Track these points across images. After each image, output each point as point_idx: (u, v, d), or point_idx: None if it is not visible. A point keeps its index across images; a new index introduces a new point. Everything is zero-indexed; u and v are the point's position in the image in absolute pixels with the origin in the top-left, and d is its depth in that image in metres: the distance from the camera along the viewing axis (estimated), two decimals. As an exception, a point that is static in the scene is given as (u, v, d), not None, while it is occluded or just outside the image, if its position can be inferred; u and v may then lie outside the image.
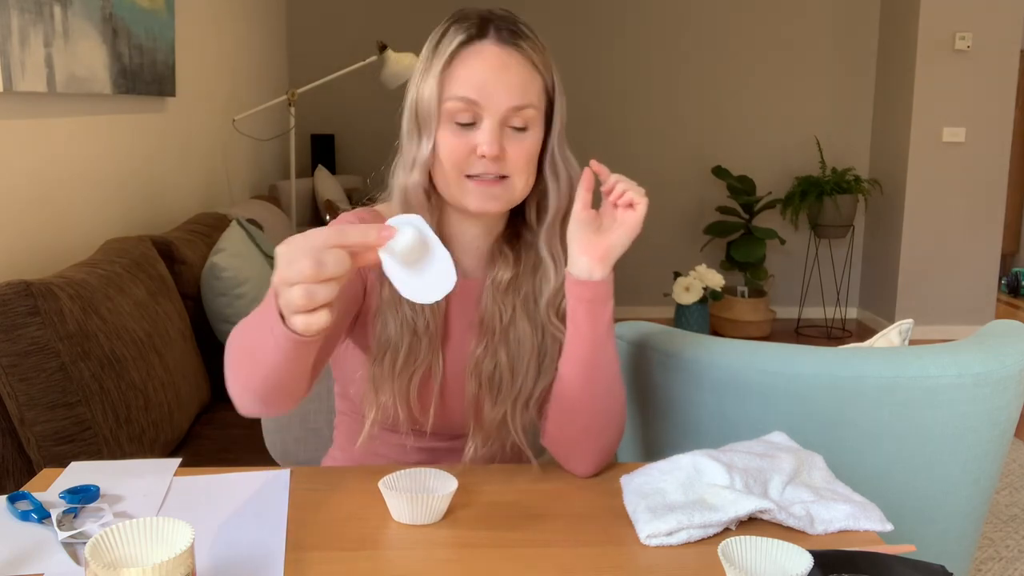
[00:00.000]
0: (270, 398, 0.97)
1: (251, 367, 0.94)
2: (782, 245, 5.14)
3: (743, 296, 4.96)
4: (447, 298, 1.15)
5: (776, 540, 0.85)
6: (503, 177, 1.10)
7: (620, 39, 5.15)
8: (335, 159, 5.05)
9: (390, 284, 0.94)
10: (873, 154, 5.23)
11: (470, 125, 1.08)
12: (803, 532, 0.97)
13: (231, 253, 2.38)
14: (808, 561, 0.82)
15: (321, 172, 4.52)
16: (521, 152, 1.09)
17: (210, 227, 2.67)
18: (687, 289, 4.49)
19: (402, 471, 1.03)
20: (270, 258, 2.58)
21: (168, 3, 2.87)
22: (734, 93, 5.20)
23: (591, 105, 5.20)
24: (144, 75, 2.68)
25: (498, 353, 1.16)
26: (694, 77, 5.19)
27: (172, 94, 2.94)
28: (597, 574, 0.89)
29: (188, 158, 3.25)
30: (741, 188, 5.02)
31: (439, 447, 1.24)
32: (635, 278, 5.34)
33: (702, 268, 4.68)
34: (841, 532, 0.96)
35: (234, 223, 2.60)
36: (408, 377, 1.13)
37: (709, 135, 5.24)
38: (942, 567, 0.84)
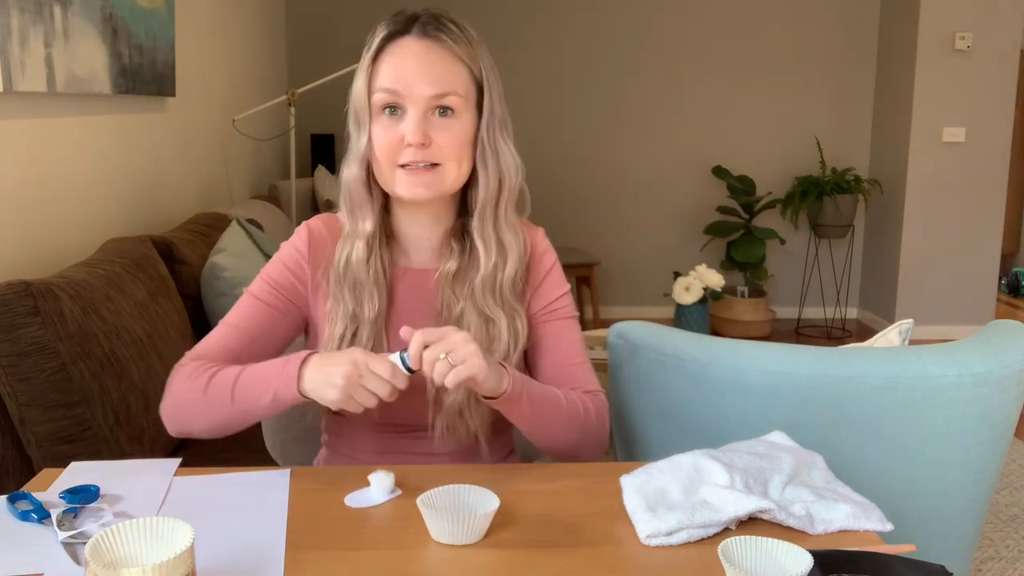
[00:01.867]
0: (222, 432, 1.19)
1: (229, 410, 1.13)
2: (782, 245, 5.14)
3: (743, 296, 4.96)
4: (395, 288, 1.24)
5: (776, 540, 0.85)
6: (435, 165, 1.16)
7: (620, 38, 5.15)
8: (335, 159, 5.05)
9: (331, 295, 1.22)
10: (873, 154, 5.23)
11: (398, 116, 1.15)
12: (803, 532, 0.97)
13: (231, 253, 2.38)
14: (808, 561, 0.82)
15: (321, 172, 4.52)
16: (449, 139, 1.15)
17: (210, 227, 2.67)
18: (687, 289, 4.49)
19: (440, 488, 0.98)
20: (270, 258, 2.58)
21: (168, 3, 2.87)
22: (734, 93, 5.20)
23: (591, 105, 5.20)
24: (144, 75, 2.68)
25: None
26: (694, 77, 5.19)
27: (172, 94, 2.94)
28: (597, 574, 0.89)
29: (188, 158, 3.25)
30: (741, 188, 5.02)
31: (402, 438, 1.27)
32: (635, 278, 5.34)
33: (702, 268, 4.67)
34: (841, 532, 0.96)
35: (234, 223, 2.60)
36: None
37: (709, 135, 5.24)
38: (942, 567, 0.84)
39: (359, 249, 1.21)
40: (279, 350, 1.26)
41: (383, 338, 1.22)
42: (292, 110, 3.85)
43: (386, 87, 1.14)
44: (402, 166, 1.15)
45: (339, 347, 1.20)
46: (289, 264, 1.26)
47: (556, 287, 1.31)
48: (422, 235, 1.26)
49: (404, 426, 1.26)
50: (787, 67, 5.17)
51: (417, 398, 1.20)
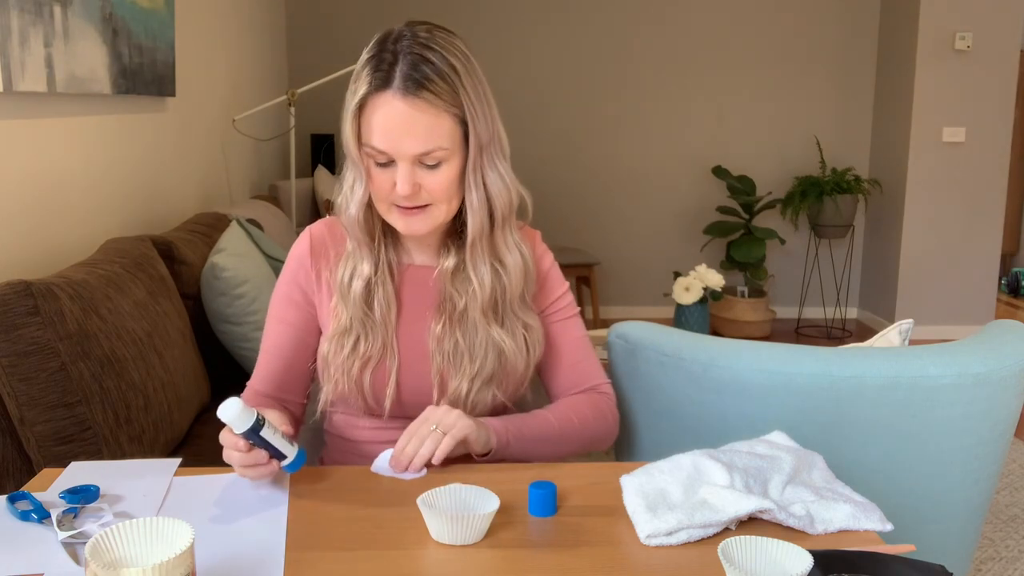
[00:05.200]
0: None
1: None
2: (782, 245, 5.14)
3: (743, 296, 4.96)
4: (400, 285, 1.29)
5: (776, 540, 0.85)
6: (427, 205, 1.20)
7: (619, 38, 5.15)
8: (335, 159, 5.05)
9: (335, 279, 1.27)
10: (873, 154, 5.23)
11: (389, 166, 1.18)
12: (803, 532, 0.97)
13: (231, 253, 2.38)
14: (808, 561, 0.82)
15: (321, 172, 4.52)
16: (437, 185, 1.19)
17: (210, 227, 2.67)
18: (687, 289, 4.49)
19: (440, 488, 0.99)
20: (270, 258, 2.58)
21: (168, 3, 2.86)
22: (734, 93, 5.20)
23: (590, 105, 5.20)
24: (144, 75, 2.68)
25: (455, 333, 1.26)
26: (694, 77, 5.19)
27: (172, 94, 2.94)
28: (597, 574, 0.89)
29: (188, 158, 3.25)
30: (741, 188, 5.02)
31: (397, 432, 1.27)
32: (635, 278, 5.34)
33: (702, 268, 4.67)
34: (841, 532, 0.97)
35: (234, 223, 2.60)
36: (358, 360, 1.24)
37: (709, 135, 5.24)
38: (942, 567, 0.84)
39: (357, 288, 1.26)
40: (316, 355, 1.33)
41: (391, 335, 1.26)
42: (292, 110, 3.85)
43: (374, 146, 1.16)
44: (396, 204, 1.21)
45: (341, 341, 1.25)
46: (297, 278, 1.32)
47: (555, 287, 1.35)
48: (422, 238, 1.29)
49: (409, 418, 1.26)
50: (787, 67, 5.17)
51: (422, 390, 1.26)
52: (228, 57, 3.84)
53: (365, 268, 1.26)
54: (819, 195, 4.84)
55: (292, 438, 1.09)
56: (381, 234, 1.28)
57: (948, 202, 4.84)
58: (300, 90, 3.82)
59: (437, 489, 0.98)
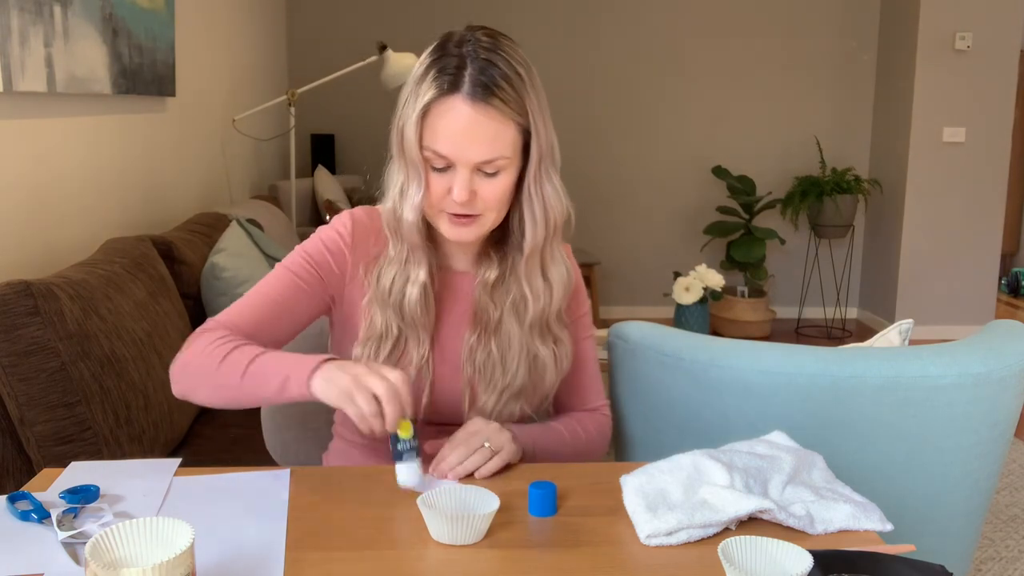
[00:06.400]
0: (221, 406, 1.19)
1: (237, 387, 1.12)
2: (782, 245, 5.14)
3: (743, 296, 4.96)
4: (439, 293, 1.26)
5: (776, 540, 0.85)
6: (478, 215, 1.18)
7: (619, 38, 5.15)
8: (335, 159, 5.05)
9: (374, 282, 1.24)
10: (873, 154, 5.23)
11: (446, 171, 1.16)
12: (803, 532, 0.97)
13: (231, 253, 2.38)
14: (808, 561, 0.82)
15: (321, 172, 4.52)
16: (492, 194, 1.17)
17: (210, 227, 2.67)
18: (687, 289, 4.49)
19: (440, 488, 0.99)
20: (270, 258, 2.58)
21: (168, 3, 2.87)
22: (734, 93, 5.20)
23: (590, 105, 5.20)
24: (144, 75, 2.68)
25: (490, 344, 1.24)
26: (694, 77, 5.19)
27: (172, 94, 2.94)
28: (597, 574, 0.89)
29: (188, 158, 3.25)
30: (741, 188, 5.02)
31: (429, 435, 1.27)
32: (635, 278, 5.34)
33: (702, 268, 4.67)
34: (841, 532, 0.97)
35: (234, 223, 2.60)
36: (397, 364, 1.22)
37: (709, 135, 5.24)
38: (942, 567, 0.84)
39: (412, 295, 1.22)
40: (302, 325, 1.27)
41: (426, 340, 1.25)
42: (292, 110, 3.85)
43: (437, 150, 1.14)
44: (447, 211, 1.19)
45: (379, 346, 1.23)
46: (329, 244, 1.26)
47: (582, 303, 1.36)
48: (464, 245, 1.27)
49: (438, 424, 1.28)
50: (787, 67, 5.17)
51: (454, 399, 1.26)
52: (228, 57, 3.84)
53: (421, 274, 1.22)
54: (819, 195, 4.84)
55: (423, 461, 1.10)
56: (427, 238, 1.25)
57: (948, 202, 4.84)
58: (300, 90, 3.82)
59: (437, 489, 0.98)
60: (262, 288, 1.25)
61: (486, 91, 1.12)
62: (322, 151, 5.01)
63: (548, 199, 1.20)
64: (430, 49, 1.17)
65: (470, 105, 1.12)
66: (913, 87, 4.73)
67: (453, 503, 0.98)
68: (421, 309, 1.22)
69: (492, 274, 1.25)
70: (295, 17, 5.08)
